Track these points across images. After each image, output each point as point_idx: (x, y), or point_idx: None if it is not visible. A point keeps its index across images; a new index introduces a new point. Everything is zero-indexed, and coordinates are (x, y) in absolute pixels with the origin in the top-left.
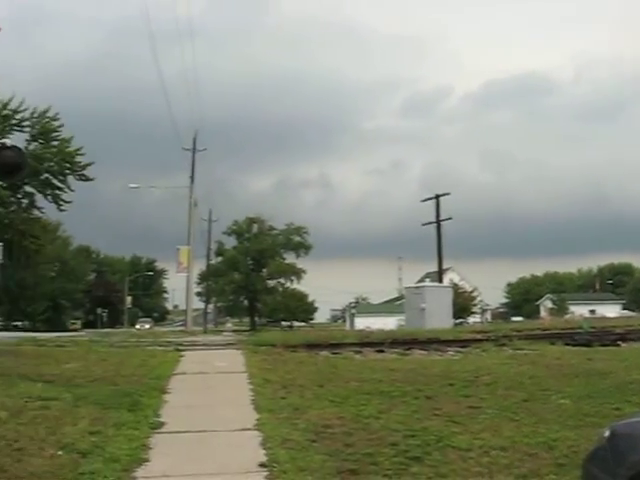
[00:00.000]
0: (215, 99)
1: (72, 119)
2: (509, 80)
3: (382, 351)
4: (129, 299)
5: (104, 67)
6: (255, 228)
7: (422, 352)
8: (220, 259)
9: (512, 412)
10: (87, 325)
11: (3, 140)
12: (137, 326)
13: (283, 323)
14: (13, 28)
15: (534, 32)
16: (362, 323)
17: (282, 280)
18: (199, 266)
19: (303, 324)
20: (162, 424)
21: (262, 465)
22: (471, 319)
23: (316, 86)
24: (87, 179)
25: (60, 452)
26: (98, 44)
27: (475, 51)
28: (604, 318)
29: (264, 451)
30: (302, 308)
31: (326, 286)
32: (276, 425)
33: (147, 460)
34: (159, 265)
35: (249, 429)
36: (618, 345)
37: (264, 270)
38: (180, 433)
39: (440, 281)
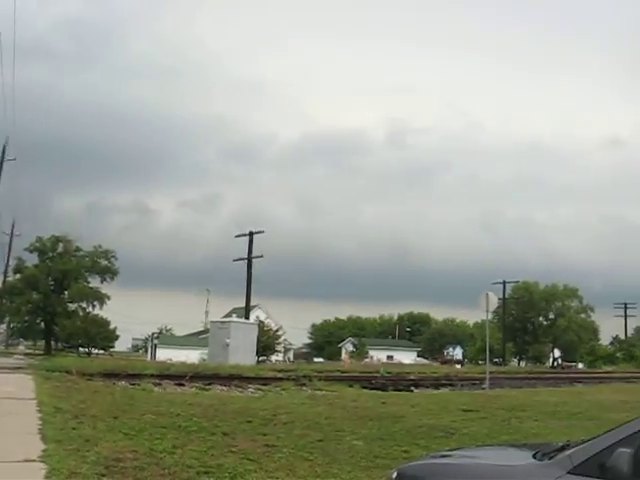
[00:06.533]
0: (43, 117)
1: None
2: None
3: (182, 385)
4: None
5: None
6: (60, 247)
7: (223, 388)
8: (18, 276)
9: (307, 451)
10: None
11: None
12: None
13: (81, 349)
14: None
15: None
16: (164, 355)
17: (84, 304)
18: None
19: (102, 352)
20: None
21: None
22: (274, 357)
23: (151, 117)
24: None
25: None
26: None
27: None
28: (400, 364)
29: None
30: (103, 335)
31: (131, 314)
32: (64, 457)
33: None
34: None
35: (33, 460)
36: (411, 390)
37: (66, 292)
38: None
39: (247, 317)
